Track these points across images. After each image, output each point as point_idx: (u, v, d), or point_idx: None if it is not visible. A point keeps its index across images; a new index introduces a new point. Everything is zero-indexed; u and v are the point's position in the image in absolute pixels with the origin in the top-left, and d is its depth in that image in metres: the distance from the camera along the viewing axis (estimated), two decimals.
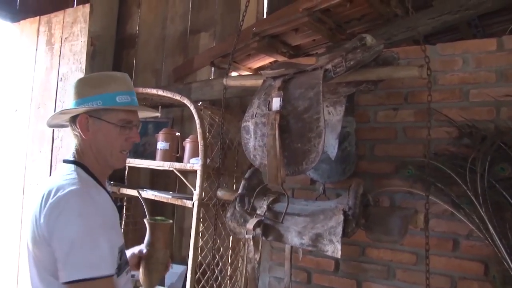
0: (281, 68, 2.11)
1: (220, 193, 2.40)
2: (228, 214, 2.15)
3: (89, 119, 1.56)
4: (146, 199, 3.22)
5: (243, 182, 2.20)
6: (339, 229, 1.81)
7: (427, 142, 1.86)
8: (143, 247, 1.86)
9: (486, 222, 1.94)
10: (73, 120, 1.59)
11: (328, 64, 1.94)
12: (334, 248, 1.81)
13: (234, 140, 3.05)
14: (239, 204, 2.13)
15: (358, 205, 1.88)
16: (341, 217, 1.82)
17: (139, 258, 1.85)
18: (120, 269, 1.49)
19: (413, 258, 2.30)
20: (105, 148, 1.58)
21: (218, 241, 2.76)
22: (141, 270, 1.85)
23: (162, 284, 3.05)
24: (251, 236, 1.98)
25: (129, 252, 1.82)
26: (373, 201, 2.01)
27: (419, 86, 2.32)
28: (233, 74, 3.40)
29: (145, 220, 1.88)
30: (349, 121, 2.26)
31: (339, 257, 1.81)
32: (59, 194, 1.41)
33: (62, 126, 1.72)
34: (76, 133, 1.59)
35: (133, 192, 3.10)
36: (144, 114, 1.83)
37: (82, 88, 1.58)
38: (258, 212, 2.05)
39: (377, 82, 2.07)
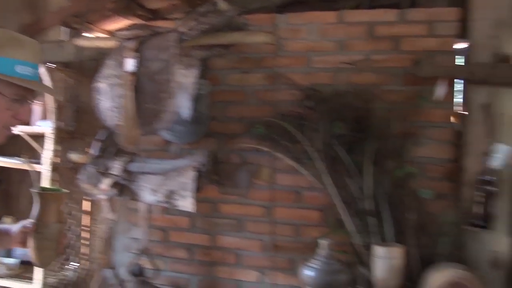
0: (136, 30, 2.11)
1: (73, 156, 2.34)
2: (82, 176, 2.12)
3: None
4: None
5: (97, 143, 2.17)
6: (191, 184, 1.90)
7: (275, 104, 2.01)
8: (28, 222, 1.54)
9: (323, 174, 2.18)
10: None
11: (183, 27, 1.99)
12: (187, 203, 1.91)
13: (89, 103, 2.95)
14: (93, 166, 2.11)
15: (210, 162, 1.99)
16: (193, 173, 1.92)
17: (25, 234, 1.53)
18: None
19: (261, 211, 2.47)
20: None
21: (74, 205, 2.69)
22: (30, 247, 1.62)
23: None
24: (105, 196, 1.99)
25: (15, 227, 1.54)
26: (224, 159, 2.13)
27: (268, 52, 2.48)
28: (88, 36, 3.26)
29: (31, 190, 1.64)
30: (202, 83, 2.32)
31: (194, 211, 1.90)
32: None
33: None
34: None
35: None
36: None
37: None
38: (112, 172, 2.05)
39: (229, 47, 2.17)
